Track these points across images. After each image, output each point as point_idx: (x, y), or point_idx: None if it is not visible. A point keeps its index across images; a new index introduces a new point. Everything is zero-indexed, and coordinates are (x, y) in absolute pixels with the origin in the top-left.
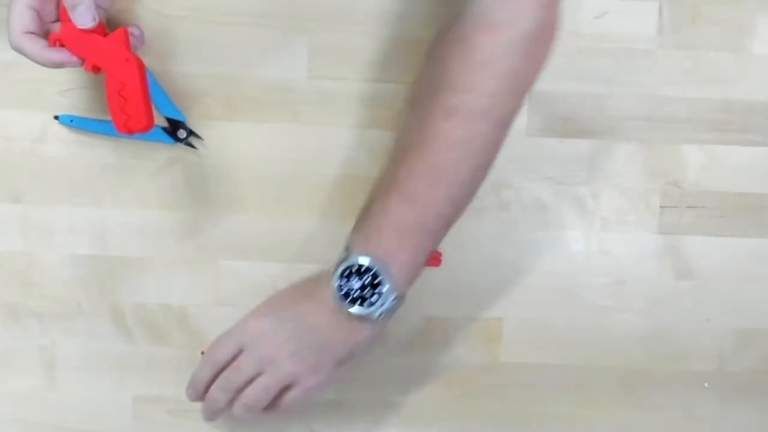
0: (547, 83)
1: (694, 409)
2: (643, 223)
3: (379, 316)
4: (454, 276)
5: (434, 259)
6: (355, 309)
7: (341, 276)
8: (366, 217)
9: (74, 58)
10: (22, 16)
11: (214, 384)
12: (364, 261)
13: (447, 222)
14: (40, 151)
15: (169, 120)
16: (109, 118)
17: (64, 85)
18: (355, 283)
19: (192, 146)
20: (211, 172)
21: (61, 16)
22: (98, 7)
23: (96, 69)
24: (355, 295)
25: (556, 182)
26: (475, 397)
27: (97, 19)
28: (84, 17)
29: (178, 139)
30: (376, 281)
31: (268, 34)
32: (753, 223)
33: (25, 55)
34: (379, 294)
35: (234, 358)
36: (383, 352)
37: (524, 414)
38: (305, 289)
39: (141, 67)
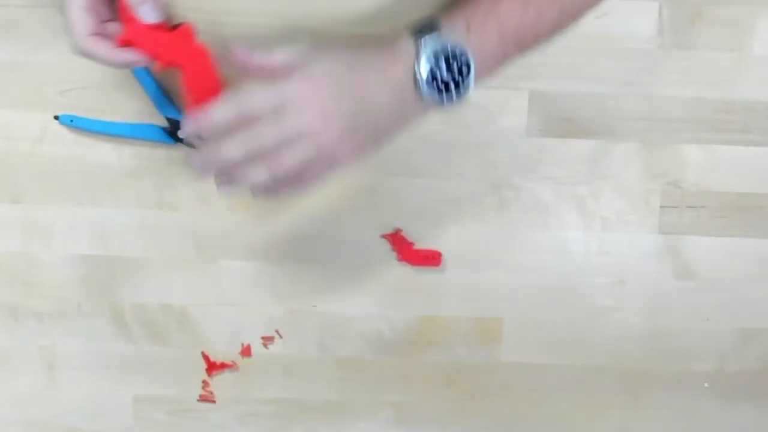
0: (547, 83)
1: (694, 409)
2: (643, 223)
3: (448, 106)
4: (454, 276)
5: (434, 259)
6: (434, 95)
7: (431, 58)
8: (467, 2)
9: (143, 57)
10: (82, 20)
11: (237, 136)
12: (462, 48)
13: (532, 46)
14: (40, 151)
15: (169, 120)
16: (108, 118)
17: (64, 85)
18: (443, 69)
19: (192, 146)
20: None
21: (122, 17)
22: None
23: (169, 65)
24: (439, 82)
25: (556, 182)
26: (475, 397)
27: (161, 15)
28: (150, 13)
29: (178, 139)
30: (463, 72)
31: (268, 34)
32: (753, 223)
33: (93, 58)
34: (463, 86)
35: (267, 113)
36: (383, 352)
37: (524, 414)
38: (378, 60)
39: (213, 59)
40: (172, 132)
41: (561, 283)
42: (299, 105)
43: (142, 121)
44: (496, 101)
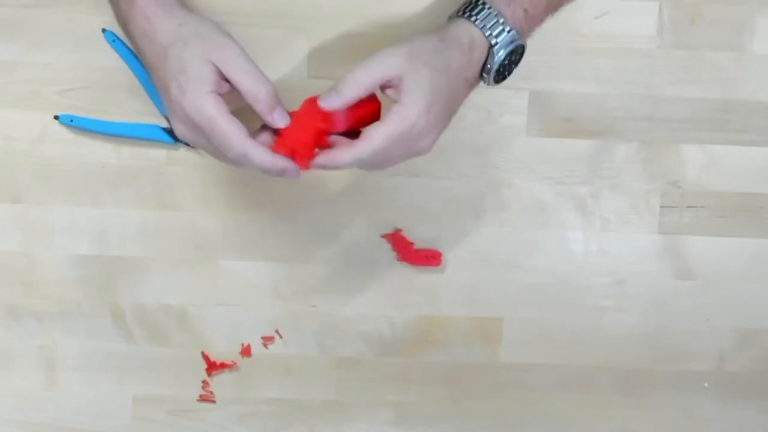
0: (547, 83)
1: (694, 409)
2: (643, 223)
3: (500, 83)
4: (454, 276)
5: (434, 258)
6: (494, 80)
7: (502, 56)
8: None
9: (296, 166)
10: (234, 126)
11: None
12: (523, 41)
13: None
14: (40, 151)
15: (169, 120)
16: (109, 118)
17: (64, 85)
18: (505, 59)
19: (192, 146)
20: (211, 172)
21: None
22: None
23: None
24: (501, 69)
25: (556, 182)
26: (475, 397)
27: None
28: (282, 118)
29: (178, 139)
30: (518, 58)
31: (268, 34)
32: (753, 223)
33: (252, 163)
34: (515, 67)
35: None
36: (383, 352)
37: (524, 414)
38: (459, 61)
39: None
40: (172, 132)
41: (561, 283)
42: (421, 136)
43: (142, 121)
44: (496, 101)
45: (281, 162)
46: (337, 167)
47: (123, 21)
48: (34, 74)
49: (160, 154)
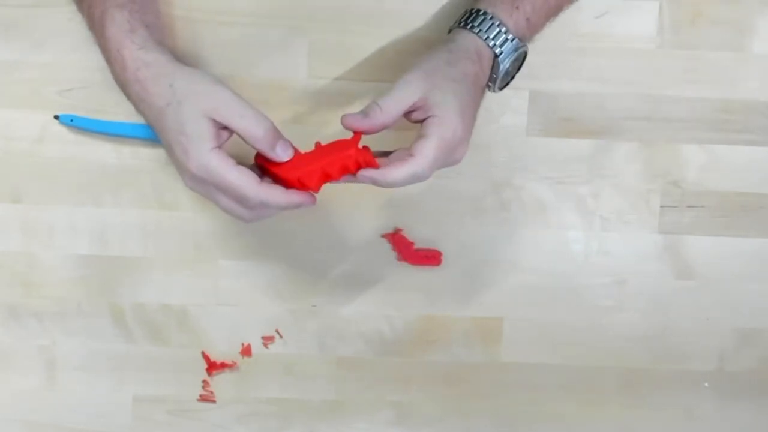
0: (547, 83)
1: (694, 409)
2: (643, 223)
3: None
4: (454, 276)
5: (434, 258)
6: (499, 87)
7: (507, 65)
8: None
9: (312, 198)
10: (244, 174)
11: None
12: (525, 48)
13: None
14: (40, 151)
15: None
16: (108, 118)
17: (64, 85)
18: (509, 67)
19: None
20: None
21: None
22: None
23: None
24: (505, 76)
25: (556, 182)
26: (475, 397)
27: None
28: (285, 151)
29: None
30: (521, 65)
31: (268, 34)
32: (753, 223)
33: (269, 205)
34: (516, 74)
35: None
36: (383, 352)
37: (524, 414)
38: (472, 73)
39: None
40: None
41: (561, 283)
42: (460, 143)
43: (142, 121)
44: (496, 101)
45: (297, 197)
46: (388, 184)
47: (120, 84)
48: (34, 74)
49: (160, 154)
